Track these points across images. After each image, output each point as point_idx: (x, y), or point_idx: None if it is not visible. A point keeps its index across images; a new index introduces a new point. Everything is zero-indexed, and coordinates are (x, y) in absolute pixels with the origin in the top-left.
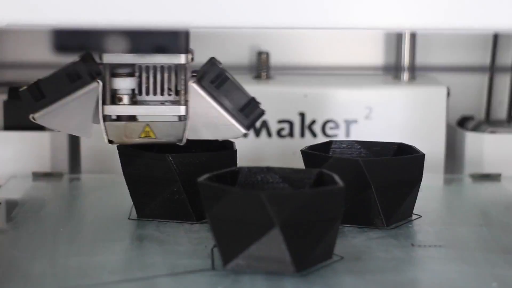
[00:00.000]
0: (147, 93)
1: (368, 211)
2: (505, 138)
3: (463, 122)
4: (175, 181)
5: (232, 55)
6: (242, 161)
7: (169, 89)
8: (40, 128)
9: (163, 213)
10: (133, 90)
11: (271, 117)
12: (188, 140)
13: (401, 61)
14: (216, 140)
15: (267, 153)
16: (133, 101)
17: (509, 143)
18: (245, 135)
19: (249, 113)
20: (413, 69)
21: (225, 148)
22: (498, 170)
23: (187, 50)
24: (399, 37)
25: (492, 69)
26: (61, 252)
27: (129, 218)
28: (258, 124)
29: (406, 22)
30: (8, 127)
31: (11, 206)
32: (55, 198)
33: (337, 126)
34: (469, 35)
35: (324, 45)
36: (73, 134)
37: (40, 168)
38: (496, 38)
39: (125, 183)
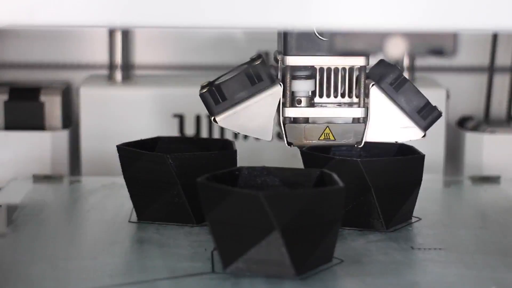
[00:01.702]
0: (327, 95)
1: (368, 213)
2: (504, 138)
3: (463, 122)
4: (175, 184)
5: (232, 55)
6: (242, 163)
7: (350, 91)
8: (41, 128)
9: (163, 216)
10: (311, 92)
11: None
12: (187, 140)
13: (401, 61)
14: (216, 140)
15: (267, 155)
16: (311, 103)
17: (508, 143)
18: (423, 137)
19: (426, 115)
20: (413, 70)
21: (225, 148)
22: (498, 171)
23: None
24: None
25: (491, 69)
26: (61, 255)
27: (129, 221)
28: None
29: (405, 22)
30: (8, 127)
31: (12, 209)
32: (56, 201)
33: None
34: (469, 35)
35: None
36: (255, 136)
37: (40, 169)
38: (495, 38)
39: (125, 186)
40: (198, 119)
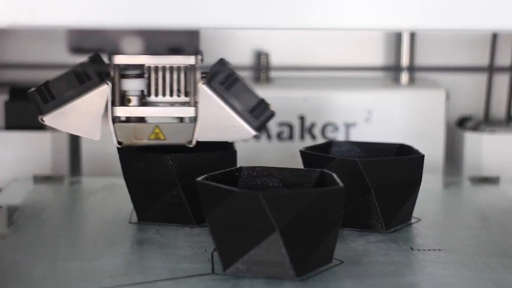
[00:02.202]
0: (156, 94)
1: (368, 214)
2: (504, 138)
3: (462, 122)
4: (175, 184)
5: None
6: (242, 163)
7: (178, 91)
8: (41, 128)
9: (164, 217)
10: (142, 91)
11: (271, 120)
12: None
13: (401, 61)
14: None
15: (267, 156)
16: (142, 103)
17: (508, 143)
18: (255, 137)
19: (259, 114)
20: (412, 70)
21: (225, 148)
22: (497, 170)
23: (197, 51)
24: (398, 37)
25: (491, 69)
26: (62, 256)
27: (129, 222)
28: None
29: (405, 22)
30: (9, 127)
31: (12, 209)
32: (56, 202)
33: (336, 129)
34: (468, 35)
35: (324, 45)
36: (82, 135)
37: (41, 169)
38: (495, 38)
39: (126, 186)
40: None
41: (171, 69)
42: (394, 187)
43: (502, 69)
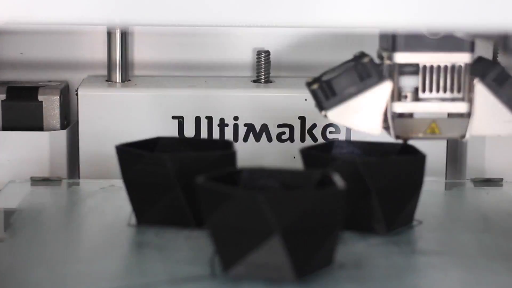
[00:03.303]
0: (430, 91)
1: (369, 217)
2: (506, 139)
3: None
4: (174, 186)
5: (231, 55)
6: (242, 164)
7: (450, 88)
8: (39, 128)
9: (163, 219)
10: (416, 88)
11: (271, 121)
12: (188, 141)
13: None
14: (216, 141)
15: (267, 157)
16: (416, 99)
17: (511, 144)
18: None
19: None
20: None
21: (225, 149)
22: (500, 171)
23: (472, 48)
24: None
25: None
26: (60, 259)
27: (128, 224)
28: (257, 128)
29: (404, 22)
30: (6, 127)
31: (9, 212)
32: (54, 204)
33: (337, 130)
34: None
35: (324, 45)
36: (364, 131)
37: (38, 169)
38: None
39: (124, 188)
40: (197, 120)
41: (444, 67)
42: (396, 188)
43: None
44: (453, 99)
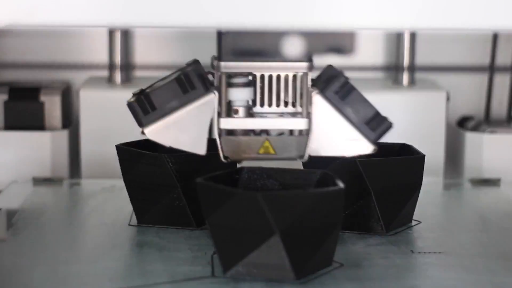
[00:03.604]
0: (268, 105)
1: (368, 217)
2: (504, 138)
3: (463, 122)
4: (175, 187)
5: None
6: (242, 164)
7: (286, 101)
8: (41, 128)
9: (163, 219)
10: (250, 101)
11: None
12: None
13: (401, 61)
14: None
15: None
16: (249, 114)
17: (509, 143)
18: (373, 151)
19: (376, 126)
20: (413, 69)
21: None
22: (498, 171)
23: (310, 58)
24: (399, 37)
25: (492, 69)
26: (61, 259)
27: (129, 224)
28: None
29: (406, 22)
30: (8, 127)
31: (11, 212)
32: (56, 204)
33: None
34: (469, 35)
35: None
36: (187, 150)
37: (40, 169)
38: (495, 37)
39: (125, 189)
40: None
41: (285, 77)
42: (395, 188)
43: (503, 69)
44: (293, 115)
